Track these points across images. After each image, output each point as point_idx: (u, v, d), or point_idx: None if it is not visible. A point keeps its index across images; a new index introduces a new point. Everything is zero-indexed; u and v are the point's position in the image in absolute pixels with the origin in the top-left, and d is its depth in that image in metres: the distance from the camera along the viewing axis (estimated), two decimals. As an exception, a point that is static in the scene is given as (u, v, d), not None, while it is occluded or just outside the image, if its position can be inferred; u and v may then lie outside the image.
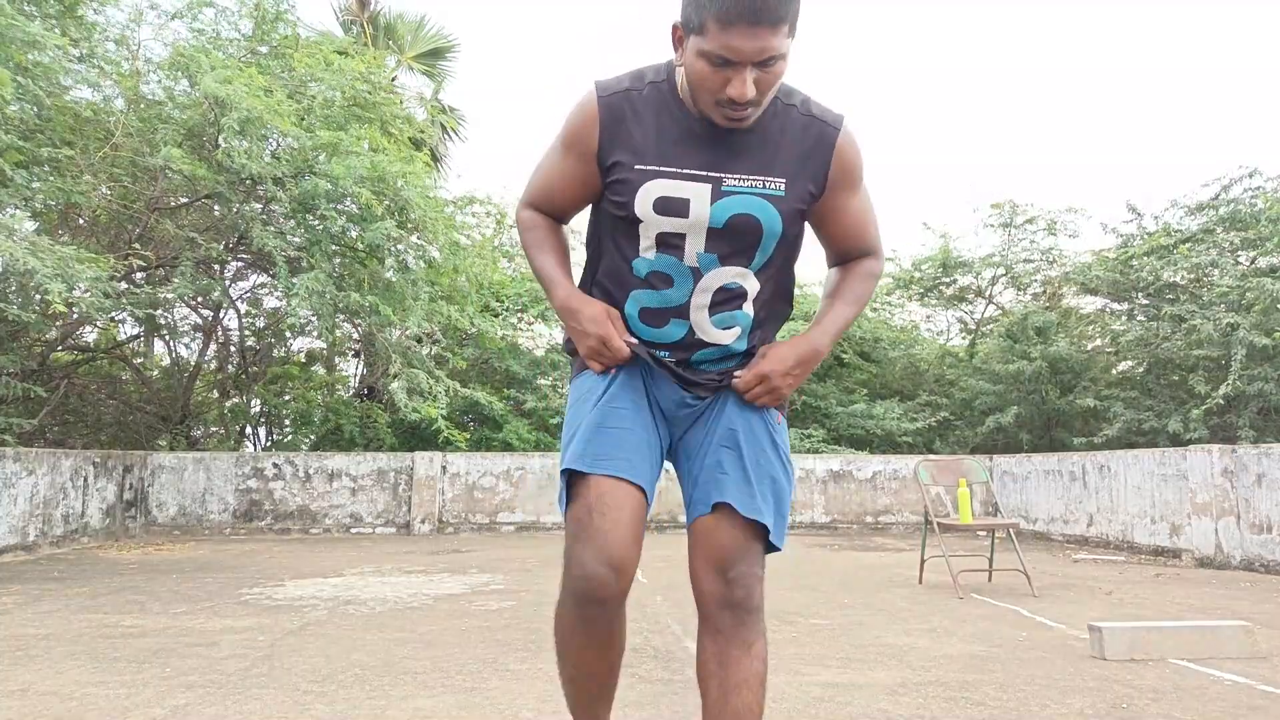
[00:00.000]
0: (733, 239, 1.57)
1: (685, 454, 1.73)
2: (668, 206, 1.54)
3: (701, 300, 1.62)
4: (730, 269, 1.60)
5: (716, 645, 1.63)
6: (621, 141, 1.55)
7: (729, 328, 1.66)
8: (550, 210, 1.72)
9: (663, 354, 1.67)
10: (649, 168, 1.54)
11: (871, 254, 1.75)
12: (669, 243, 1.58)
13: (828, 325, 1.69)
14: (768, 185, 1.56)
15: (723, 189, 1.54)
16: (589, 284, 1.75)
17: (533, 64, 47.28)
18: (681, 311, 1.63)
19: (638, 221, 1.57)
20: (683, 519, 1.76)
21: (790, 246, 1.66)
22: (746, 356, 1.71)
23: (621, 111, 1.55)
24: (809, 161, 1.58)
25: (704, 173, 1.54)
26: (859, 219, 1.70)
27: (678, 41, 1.47)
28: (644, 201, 1.55)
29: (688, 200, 1.53)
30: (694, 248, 1.57)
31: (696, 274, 1.60)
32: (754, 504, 1.62)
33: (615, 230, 1.64)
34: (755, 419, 1.68)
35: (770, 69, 1.41)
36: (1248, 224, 10.22)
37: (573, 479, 1.61)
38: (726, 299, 1.63)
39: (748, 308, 1.66)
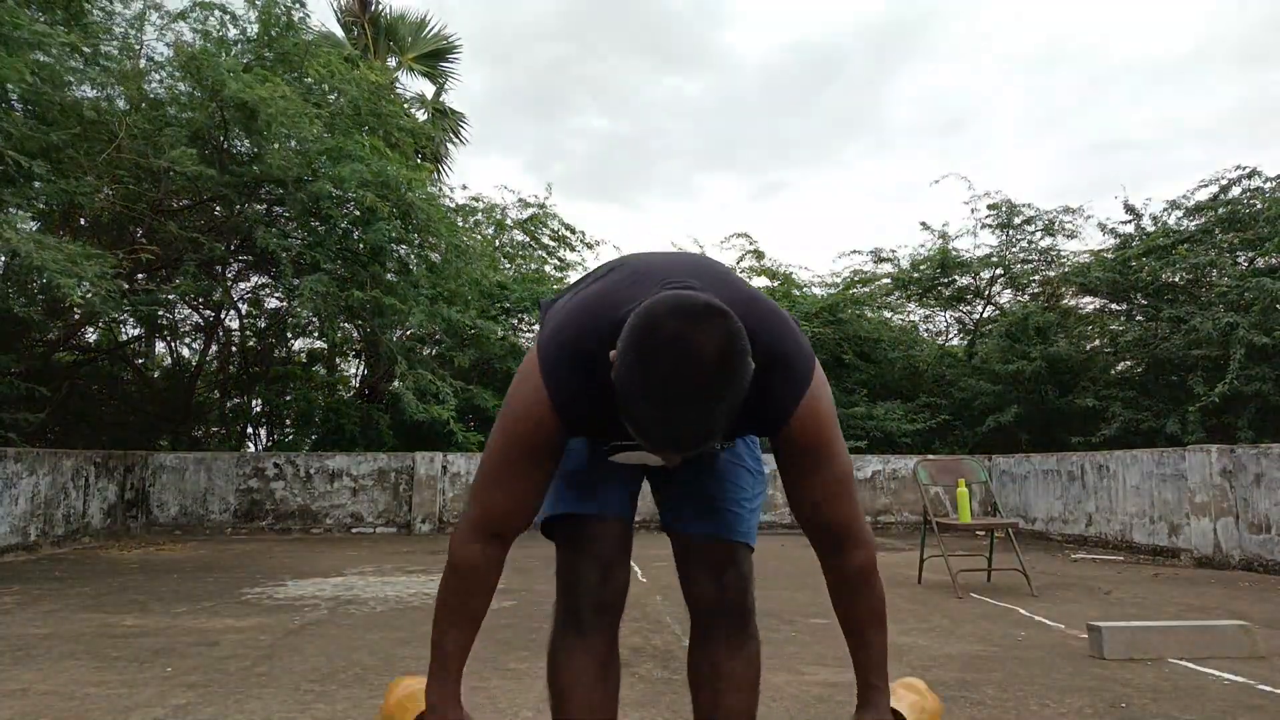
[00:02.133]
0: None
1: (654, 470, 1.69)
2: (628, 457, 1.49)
3: None
4: None
5: (707, 650, 1.64)
6: (580, 429, 1.43)
7: None
8: (520, 524, 1.43)
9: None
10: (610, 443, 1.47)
11: (854, 541, 1.42)
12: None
13: (874, 679, 1.44)
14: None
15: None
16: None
17: (533, 64, 47.33)
18: None
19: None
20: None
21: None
22: None
23: (578, 411, 1.37)
24: (750, 424, 1.40)
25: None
26: (826, 489, 1.40)
27: (611, 363, 1.23)
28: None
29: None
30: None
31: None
32: (740, 526, 1.65)
33: None
34: None
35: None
36: (1246, 224, 10.22)
37: (553, 525, 1.67)
38: None
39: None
